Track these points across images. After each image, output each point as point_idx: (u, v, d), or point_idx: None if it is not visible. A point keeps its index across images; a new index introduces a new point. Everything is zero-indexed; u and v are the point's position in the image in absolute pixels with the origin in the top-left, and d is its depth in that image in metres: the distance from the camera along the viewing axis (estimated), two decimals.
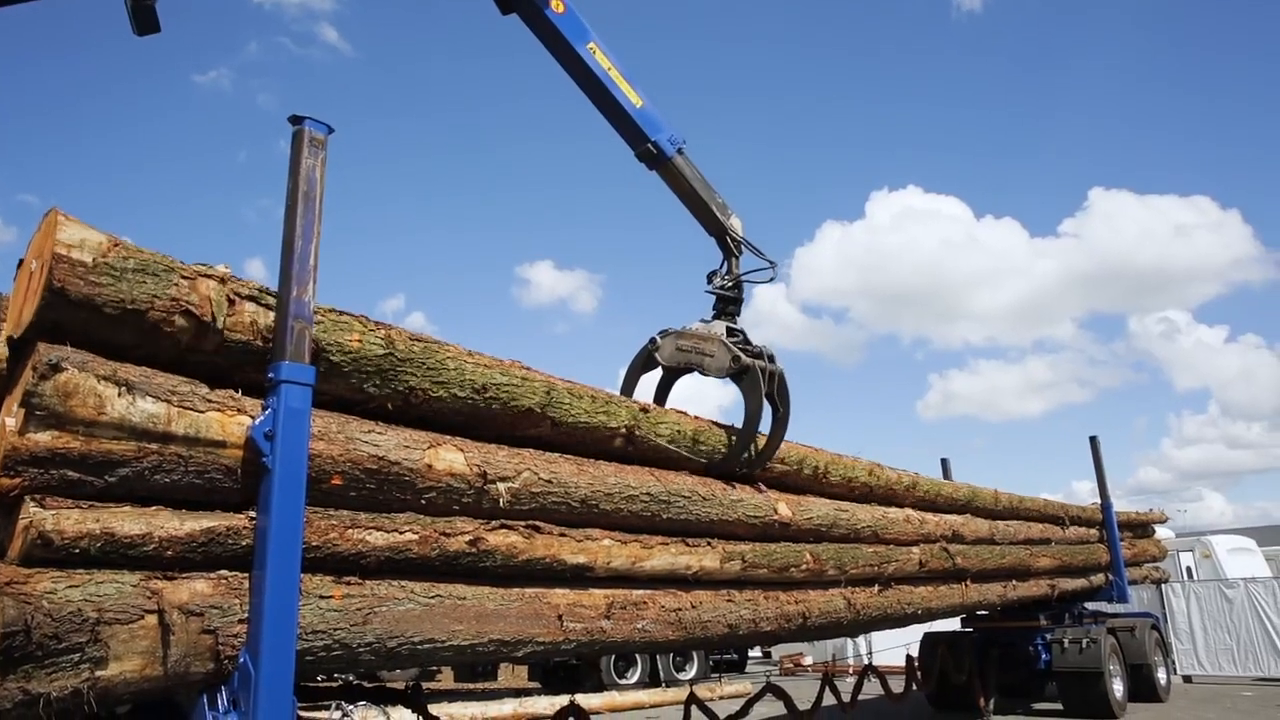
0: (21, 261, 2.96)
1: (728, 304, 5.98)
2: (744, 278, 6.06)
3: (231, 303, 3.10)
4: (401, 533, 3.45)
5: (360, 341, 3.46)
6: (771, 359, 5.58)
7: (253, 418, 3.07)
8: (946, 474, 12.71)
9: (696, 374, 5.77)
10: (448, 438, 3.73)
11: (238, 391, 3.10)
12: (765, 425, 5.60)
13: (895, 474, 7.76)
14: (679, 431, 5.12)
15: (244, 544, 3.00)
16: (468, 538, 3.66)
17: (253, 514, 3.03)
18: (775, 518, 5.68)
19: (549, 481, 4.04)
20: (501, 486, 3.81)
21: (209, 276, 3.08)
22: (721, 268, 6.08)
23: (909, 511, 7.71)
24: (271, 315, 3.15)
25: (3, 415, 2.89)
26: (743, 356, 5.49)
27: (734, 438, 5.43)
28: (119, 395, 2.84)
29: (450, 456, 3.64)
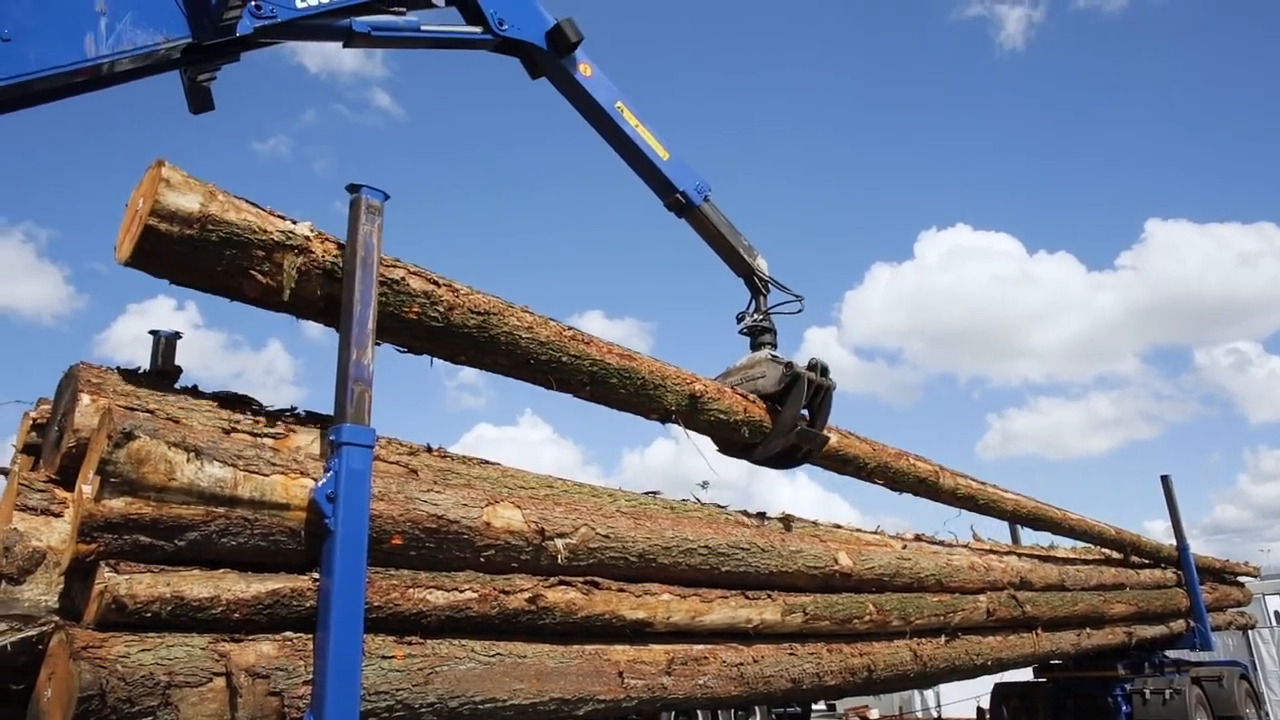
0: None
1: (762, 334, 6.16)
2: (772, 311, 6.26)
3: (304, 274, 3.33)
4: (461, 591, 3.46)
5: (418, 315, 3.69)
6: (824, 372, 5.69)
7: (315, 480, 3.13)
8: (1015, 532, 12.27)
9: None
10: (504, 494, 3.75)
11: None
12: None
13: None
14: (730, 412, 5.36)
15: (308, 605, 3.04)
16: (527, 595, 3.66)
17: (316, 575, 3.07)
18: (836, 568, 5.57)
19: (606, 537, 4.03)
20: (559, 543, 3.81)
21: (290, 249, 3.27)
22: (750, 307, 6.30)
23: (973, 558, 7.50)
24: (337, 285, 3.36)
25: (79, 482, 2.99)
26: (795, 364, 5.69)
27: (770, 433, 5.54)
28: (188, 461, 2.92)
29: (508, 514, 3.65)
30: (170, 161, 3.07)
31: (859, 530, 6.80)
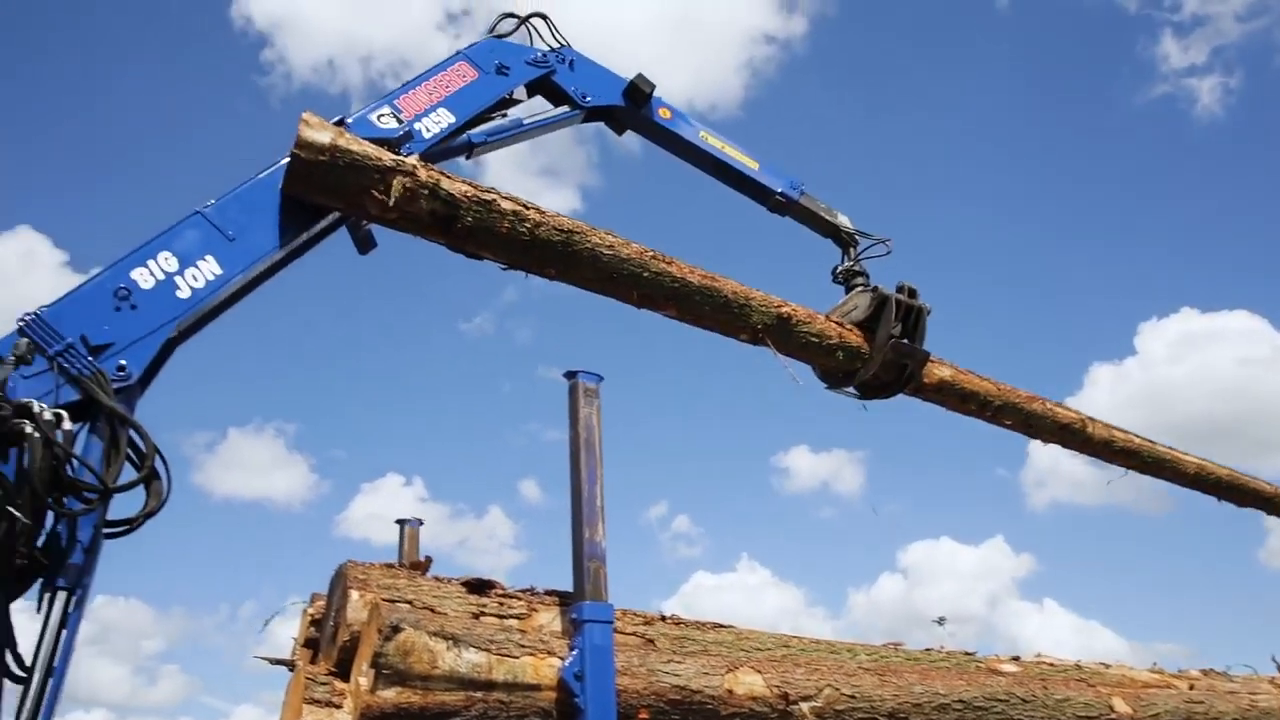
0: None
1: (854, 278, 6.39)
2: (862, 256, 6.55)
3: (409, 193, 4.03)
4: None
5: (509, 229, 4.31)
6: (913, 294, 5.79)
7: (561, 658, 3.23)
8: None
9: None
10: (743, 659, 3.69)
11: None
12: None
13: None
14: (823, 335, 5.50)
15: None
16: None
17: None
18: (1113, 716, 4.96)
19: (852, 697, 3.83)
20: (805, 706, 3.66)
21: (399, 172, 4.04)
22: (841, 260, 6.61)
23: None
24: (439, 201, 4.12)
25: (354, 675, 3.25)
26: (881, 287, 5.82)
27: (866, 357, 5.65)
28: (447, 649, 3.11)
29: (749, 679, 3.58)
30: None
31: (1131, 669, 6.05)
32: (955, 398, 6.18)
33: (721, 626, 4.04)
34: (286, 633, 4.52)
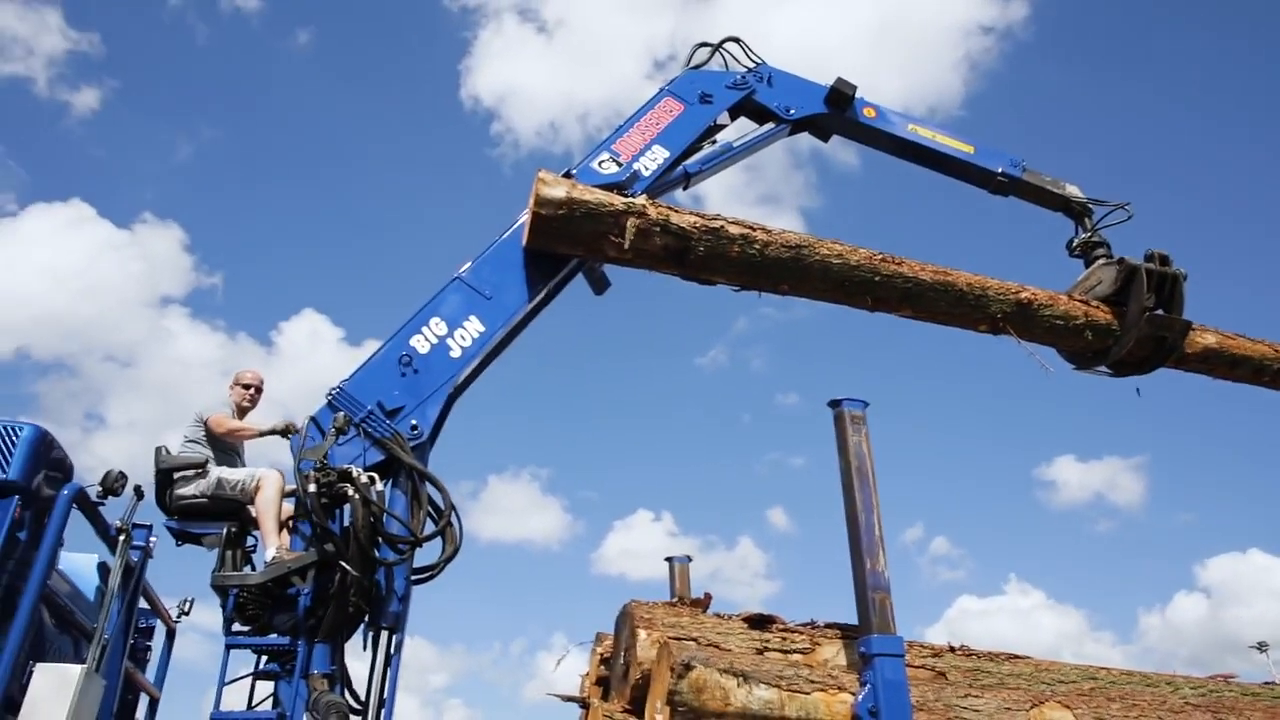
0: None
1: (1094, 249, 6.08)
2: (1100, 226, 6.25)
3: (642, 232, 4.33)
4: None
5: (739, 252, 4.51)
6: (1165, 261, 5.50)
7: (852, 694, 3.15)
8: None
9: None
10: (1047, 693, 3.43)
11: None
12: None
13: None
14: (1067, 316, 5.25)
15: None
16: None
17: None
18: None
19: None
20: None
21: (631, 214, 4.34)
22: (1076, 233, 6.33)
23: None
24: (671, 235, 4.42)
25: (649, 712, 3.34)
26: (1127, 259, 5.51)
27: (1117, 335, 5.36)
28: (738, 686, 3.12)
29: (1057, 716, 3.32)
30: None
31: None
32: (1224, 365, 5.74)
33: (1017, 657, 3.79)
34: (565, 670, 4.74)
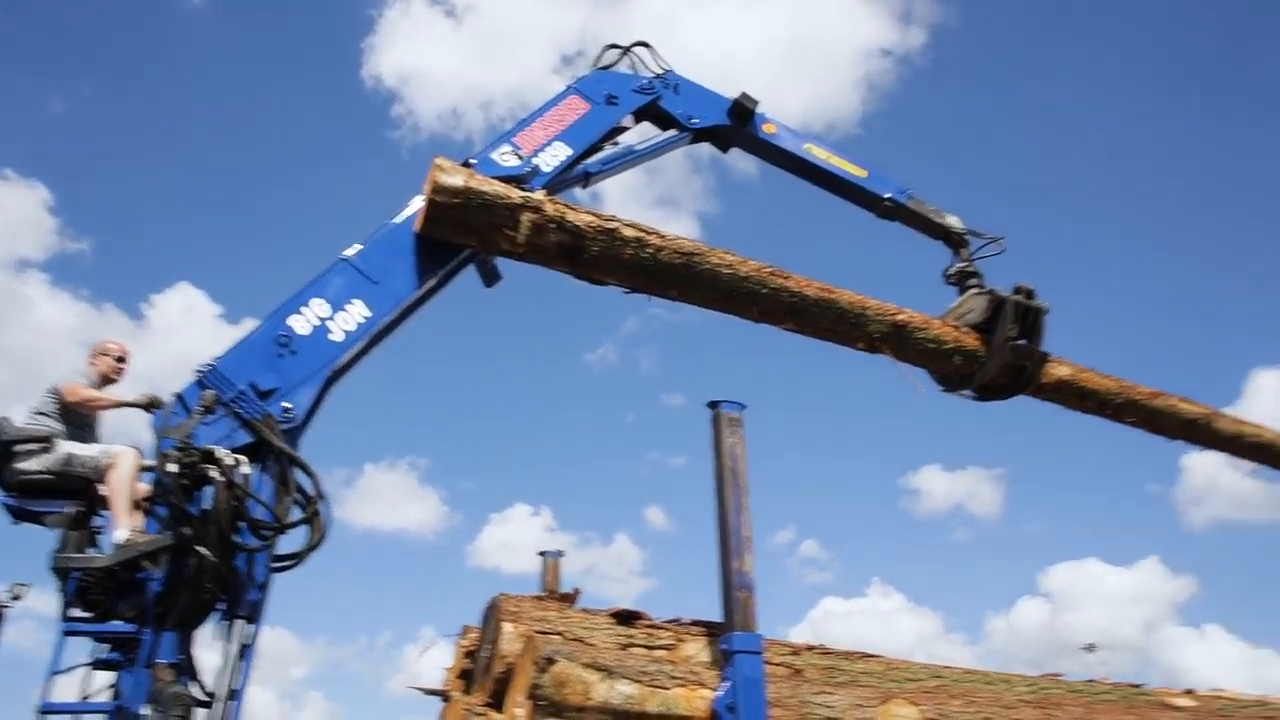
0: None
1: (968, 279, 6.31)
2: (976, 257, 6.51)
3: (538, 227, 4.31)
4: None
5: (632, 255, 4.55)
6: (1031, 295, 5.78)
7: (712, 689, 3.22)
8: None
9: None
10: (895, 690, 3.58)
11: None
12: None
13: None
14: (939, 340, 5.48)
15: None
16: None
17: None
18: None
19: None
20: None
21: (528, 208, 4.31)
22: (953, 261, 6.55)
23: None
24: (566, 233, 4.39)
25: (509, 706, 3.32)
26: (998, 291, 5.80)
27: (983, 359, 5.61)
28: (600, 680, 3.16)
29: (903, 712, 3.48)
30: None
31: None
32: (1075, 396, 6.08)
33: (870, 656, 3.94)
34: (430, 663, 4.66)
